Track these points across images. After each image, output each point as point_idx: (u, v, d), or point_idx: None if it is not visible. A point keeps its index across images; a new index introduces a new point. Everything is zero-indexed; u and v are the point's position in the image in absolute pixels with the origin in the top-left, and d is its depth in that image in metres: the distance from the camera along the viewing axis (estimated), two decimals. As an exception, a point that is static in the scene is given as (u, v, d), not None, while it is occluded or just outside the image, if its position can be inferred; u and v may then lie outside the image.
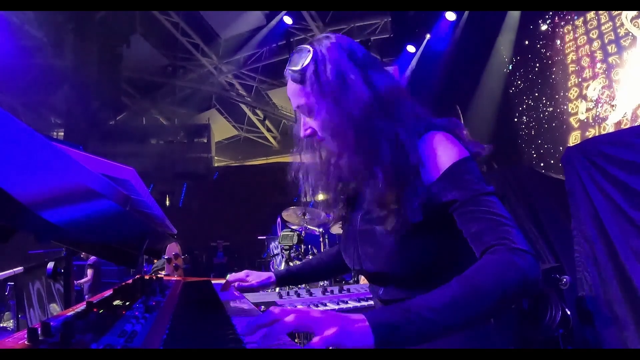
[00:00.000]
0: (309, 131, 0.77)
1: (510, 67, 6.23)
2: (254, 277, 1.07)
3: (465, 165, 0.69)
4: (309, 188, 0.85)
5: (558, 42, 5.66)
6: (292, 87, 0.77)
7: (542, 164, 5.73)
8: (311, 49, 0.75)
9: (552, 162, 5.63)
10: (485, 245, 0.64)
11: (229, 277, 1.10)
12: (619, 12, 4.78)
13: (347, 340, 0.53)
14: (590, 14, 5.23)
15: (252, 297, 1.40)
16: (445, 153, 0.70)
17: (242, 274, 1.09)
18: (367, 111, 0.72)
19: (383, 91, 0.74)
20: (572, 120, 5.46)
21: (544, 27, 5.83)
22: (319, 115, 0.75)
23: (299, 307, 1.27)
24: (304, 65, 0.74)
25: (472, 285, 0.58)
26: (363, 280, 2.48)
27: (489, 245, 0.63)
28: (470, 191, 0.67)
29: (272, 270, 1.15)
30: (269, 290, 1.86)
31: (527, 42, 5.97)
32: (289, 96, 0.78)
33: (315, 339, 0.52)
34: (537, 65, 5.96)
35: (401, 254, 0.72)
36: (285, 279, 1.10)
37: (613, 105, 4.82)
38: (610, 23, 4.93)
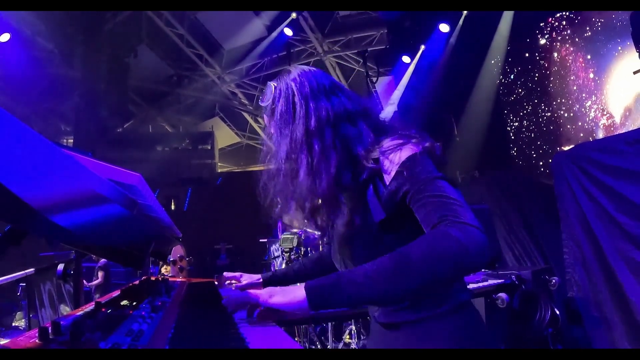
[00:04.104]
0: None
1: (512, 78, 6.30)
2: (246, 277, 1.18)
3: (414, 160, 0.74)
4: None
5: (547, 52, 5.73)
6: (266, 120, 0.89)
7: (532, 170, 5.81)
8: (273, 86, 0.85)
9: (542, 167, 5.72)
10: (430, 225, 0.66)
11: (225, 274, 1.21)
12: (604, 19, 4.83)
13: (283, 300, 0.67)
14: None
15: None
16: (396, 154, 0.76)
17: (236, 274, 1.20)
18: (317, 137, 0.79)
19: (341, 113, 0.82)
20: (560, 127, 5.53)
21: (537, 39, 5.89)
22: (276, 145, 0.83)
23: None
24: (268, 101, 0.86)
25: (402, 255, 0.63)
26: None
27: (433, 223, 0.66)
28: (418, 180, 0.71)
29: (273, 271, 1.24)
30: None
31: (527, 55, 6.04)
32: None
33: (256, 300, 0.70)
34: (529, 74, 6.04)
35: (376, 251, 0.76)
36: (270, 282, 1.16)
37: (602, 113, 4.88)
38: (595, 30, 4.99)
